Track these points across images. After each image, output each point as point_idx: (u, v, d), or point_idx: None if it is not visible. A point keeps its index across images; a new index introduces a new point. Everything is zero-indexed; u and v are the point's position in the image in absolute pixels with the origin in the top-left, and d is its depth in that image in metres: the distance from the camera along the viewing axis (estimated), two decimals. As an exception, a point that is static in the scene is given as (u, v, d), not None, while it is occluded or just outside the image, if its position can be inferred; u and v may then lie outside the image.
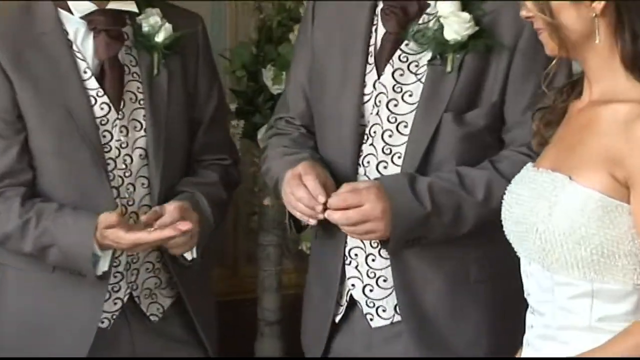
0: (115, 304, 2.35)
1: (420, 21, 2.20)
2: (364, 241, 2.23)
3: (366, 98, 2.22)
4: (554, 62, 1.80)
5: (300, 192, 2.11)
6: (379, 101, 2.21)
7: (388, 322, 2.26)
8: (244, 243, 3.83)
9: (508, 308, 2.13)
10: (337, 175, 2.21)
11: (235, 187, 2.51)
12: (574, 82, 1.85)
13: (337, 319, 2.31)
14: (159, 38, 2.32)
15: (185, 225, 2.18)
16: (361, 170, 2.24)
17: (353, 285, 2.27)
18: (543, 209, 1.75)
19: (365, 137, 2.22)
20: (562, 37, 1.75)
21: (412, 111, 2.20)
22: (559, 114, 1.84)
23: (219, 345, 2.47)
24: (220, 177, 2.44)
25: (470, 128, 2.20)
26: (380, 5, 2.23)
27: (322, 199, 2.08)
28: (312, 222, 2.13)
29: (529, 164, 1.85)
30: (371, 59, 2.23)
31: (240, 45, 3.38)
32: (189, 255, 2.33)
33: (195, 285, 2.41)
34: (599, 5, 1.74)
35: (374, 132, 2.22)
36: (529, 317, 1.86)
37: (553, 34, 1.77)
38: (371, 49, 2.24)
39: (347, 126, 2.22)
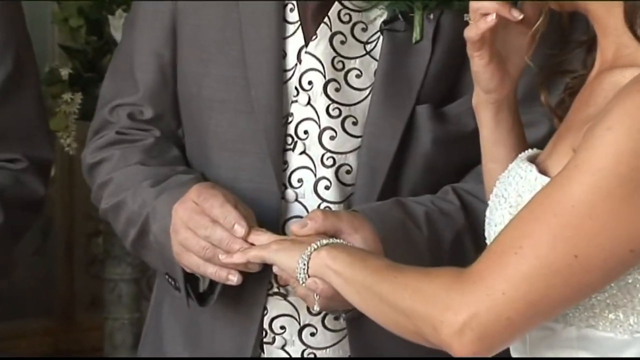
0: None
1: None
2: (297, 306, 1.79)
3: (287, 76, 1.80)
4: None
5: (218, 232, 1.69)
6: (310, 82, 1.79)
7: None
8: (83, 279, 3.51)
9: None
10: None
11: (37, 206, 2.04)
12: (590, 41, 1.62)
13: None
14: None
15: None
16: (289, 193, 1.80)
17: (278, 375, 1.84)
18: (501, 213, 1.56)
19: (290, 140, 1.80)
20: None
21: (364, 100, 1.79)
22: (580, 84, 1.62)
23: None
24: None
25: (455, 127, 1.81)
26: None
27: (240, 230, 1.68)
28: (234, 279, 1.70)
29: (524, 154, 1.63)
30: (292, 15, 1.80)
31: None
32: None
33: None
34: None
35: (306, 132, 1.80)
36: None
37: None
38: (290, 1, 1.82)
39: (261, 121, 1.79)
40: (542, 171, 1.54)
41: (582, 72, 1.61)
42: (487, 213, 1.60)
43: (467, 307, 1.46)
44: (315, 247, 1.62)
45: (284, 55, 1.79)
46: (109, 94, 1.91)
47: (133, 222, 1.83)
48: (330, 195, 1.78)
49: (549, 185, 1.48)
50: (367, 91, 1.78)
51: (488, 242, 1.58)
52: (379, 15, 1.77)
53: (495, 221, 1.57)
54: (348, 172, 1.79)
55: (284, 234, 1.74)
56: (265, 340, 1.81)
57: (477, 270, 1.47)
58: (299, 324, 1.81)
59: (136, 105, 1.88)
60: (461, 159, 1.82)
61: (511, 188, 1.56)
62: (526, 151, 1.61)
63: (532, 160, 1.57)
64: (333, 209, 1.77)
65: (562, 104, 1.63)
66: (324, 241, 1.62)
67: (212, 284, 1.79)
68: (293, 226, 1.69)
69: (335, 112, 1.79)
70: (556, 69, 1.64)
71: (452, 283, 1.49)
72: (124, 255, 3.12)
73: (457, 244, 1.78)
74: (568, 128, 1.56)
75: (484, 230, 1.61)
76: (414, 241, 1.75)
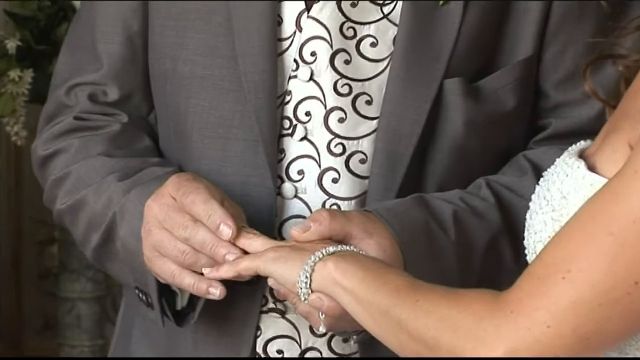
0: None
1: None
2: (298, 325, 1.71)
3: (284, 46, 1.73)
4: None
5: (200, 233, 1.61)
6: (312, 53, 1.72)
7: None
8: (34, 297, 3.45)
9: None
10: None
11: None
12: None
13: None
14: None
15: None
16: (287, 188, 1.72)
17: (272, 411, 1.79)
18: (542, 219, 1.48)
19: (288, 123, 1.73)
20: None
21: (380, 73, 1.71)
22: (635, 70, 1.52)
23: None
24: None
25: (491, 106, 1.73)
26: None
27: (227, 230, 1.60)
28: (216, 292, 1.61)
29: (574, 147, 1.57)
30: None
31: None
32: None
33: None
34: None
35: (308, 114, 1.73)
36: None
37: None
38: None
39: (250, 101, 1.72)
40: (591, 167, 1.44)
41: (637, 58, 1.50)
42: (527, 217, 1.51)
43: (504, 342, 1.37)
44: (320, 256, 1.52)
45: (279, 21, 1.69)
46: (66, 71, 1.81)
47: (95, 225, 1.72)
48: (339, 189, 1.68)
49: (602, 193, 1.38)
50: (385, 63, 1.68)
51: (527, 253, 1.50)
52: (396, -28, 1.68)
53: (535, 228, 1.48)
54: (362, 161, 1.69)
55: (281, 238, 1.66)
56: None
57: (516, 297, 1.38)
58: (300, 347, 1.70)
59: (99, 84, 1.79)
60: (498, 144, 1.73)
61: (555, 188, 1.47)
62: (577, 144, 1.52)
63: (581, 155, 1.48)
64: (342, 206, 1.67)
65: (615, 93, 1.53)
66: (331, 249, 1.53)
67: (193, 299, 1.67)
68: (293, 230, 1.59)
69: (345, 89, 1.68)
70: (604, 53, 1.54)
71: (486, 311, 1.40)
72: (84, 268, 3.07)
73: (491, 250, 1.68)
74: (623, 117, 1.46)
75: (523, 235, 1.52)
76: (440, 247, 1.67)
